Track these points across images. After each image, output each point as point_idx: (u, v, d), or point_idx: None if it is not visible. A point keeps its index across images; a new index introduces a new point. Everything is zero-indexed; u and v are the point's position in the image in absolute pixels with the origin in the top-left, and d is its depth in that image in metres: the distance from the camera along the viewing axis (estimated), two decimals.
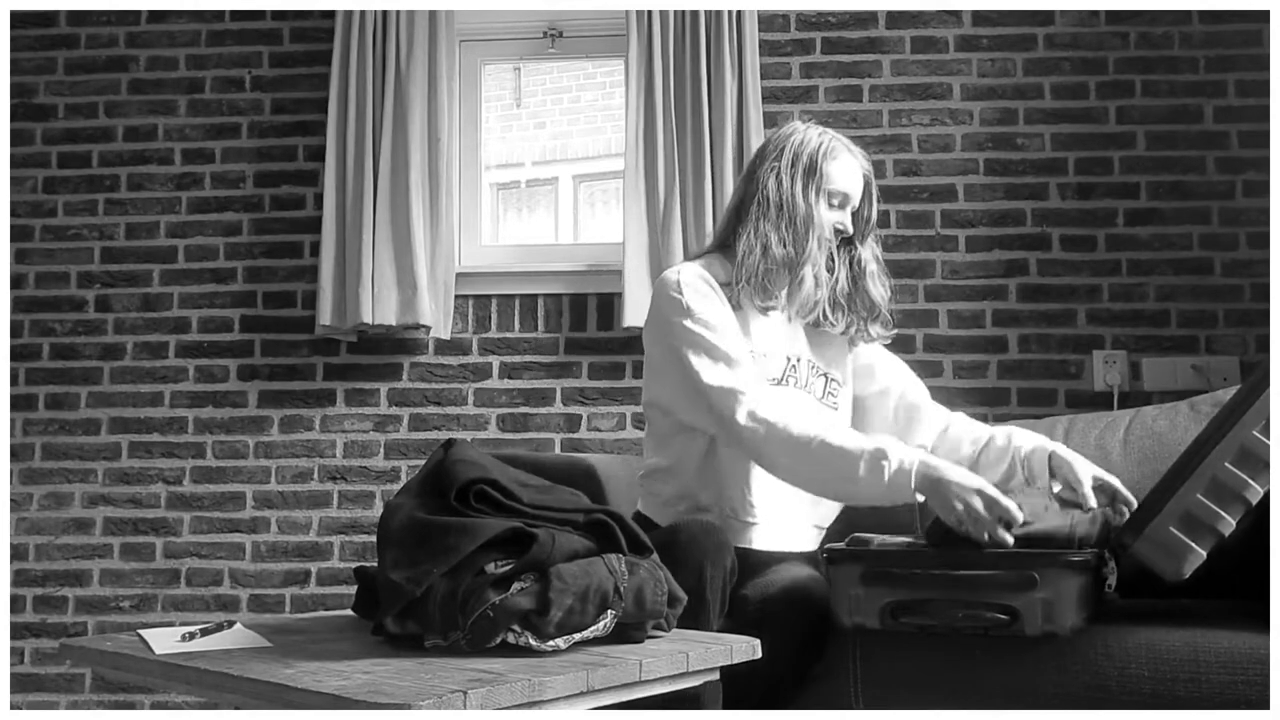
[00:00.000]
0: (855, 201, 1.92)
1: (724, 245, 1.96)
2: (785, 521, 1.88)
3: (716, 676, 1.38)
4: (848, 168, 1.91)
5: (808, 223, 1.87)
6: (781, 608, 1.69)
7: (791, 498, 1.86)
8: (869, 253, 1.95)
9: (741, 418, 1.73)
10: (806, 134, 1.93)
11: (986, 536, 1.56)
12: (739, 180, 2.03)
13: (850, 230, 1.91)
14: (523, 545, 1.31)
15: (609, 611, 1.32)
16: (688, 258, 2.22)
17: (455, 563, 1.29)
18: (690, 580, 1.51)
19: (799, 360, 1.92)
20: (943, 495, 1.59)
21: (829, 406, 1.95)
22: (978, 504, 1.56)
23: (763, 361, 1.88)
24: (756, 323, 1.91)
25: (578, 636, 1.30)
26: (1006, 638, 1.56)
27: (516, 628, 1.27)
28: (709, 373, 1.78)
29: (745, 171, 1.99)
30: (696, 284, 1.86)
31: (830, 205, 1.90)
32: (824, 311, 1.93)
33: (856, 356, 2.02)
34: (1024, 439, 1.88)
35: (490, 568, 1.30)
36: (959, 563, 1.57)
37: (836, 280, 1.93)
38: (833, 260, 1.92)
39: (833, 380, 1.96)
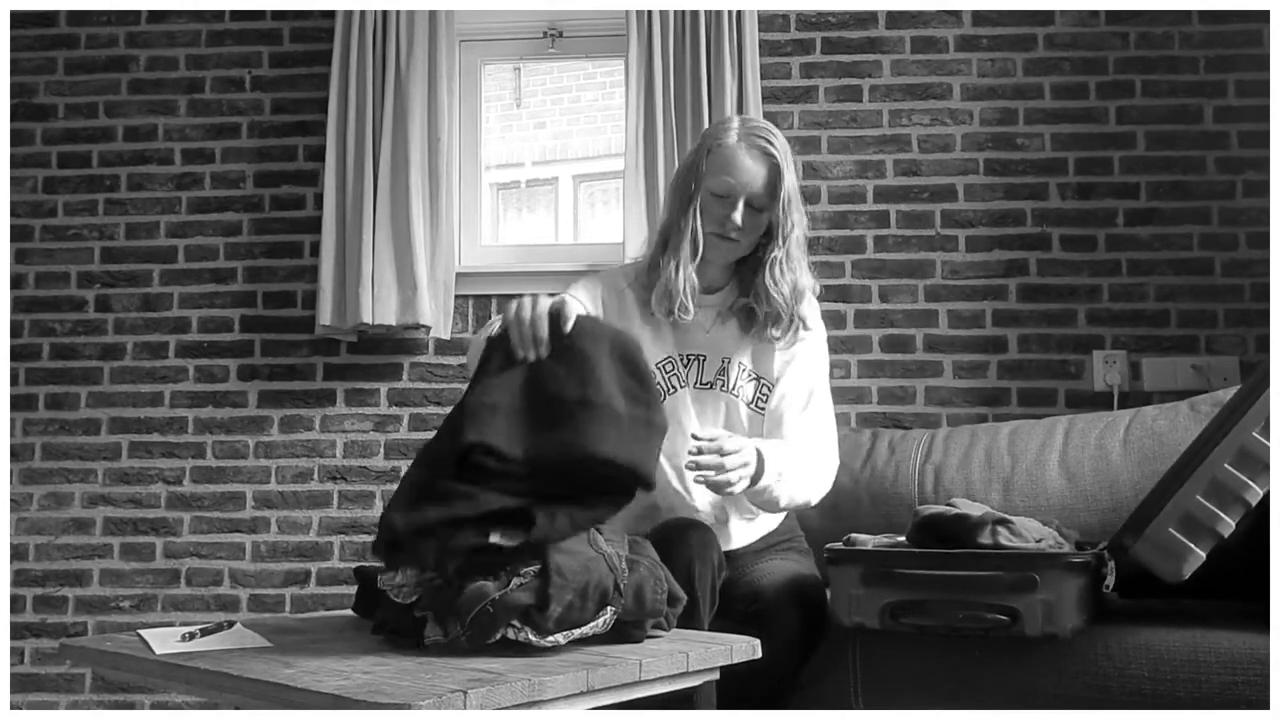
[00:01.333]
0: (749, 195, 1.81)
1: None
2: (752, 512, 1.89)
3: (716, 676, 1.38)
4: (729, 163, 1.81)
5: (675, 218, 1.86)
6: (775, 601, 1.69)
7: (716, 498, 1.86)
8: (779, 253, 1.84)
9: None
10: (712, 129, 1.91)
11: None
12: None
13: (737, 225, 1.81)
14: (523, 522, 1.31)
15: (609, 608, 1.32)
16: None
17: (456, 517, 1.29)
18: (680, 578, 1.52)
19: (730, 361, 1.90)
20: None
21: (757, 412, 1.91)
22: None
23: (696, 364, 1.88)
24: (686, 326, 1.89)
25: (577, 633, 1.30)
26: (1007, 639, 1.56)
27: (516, 623, 1.28)
28: None
29: None
30: (605, 280, 1.93)
31: (714, 196, 1.83)
32: (755, 315, 1.87)
33: (777, 368, 1.94)
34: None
35: (494, 537, 1.29)
36: (959, 564, 1.57)
37: (748, 280, 1.89)
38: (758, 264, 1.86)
39: (764, 385, 1.92)
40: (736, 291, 1.92)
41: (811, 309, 1.94)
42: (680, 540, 1.62)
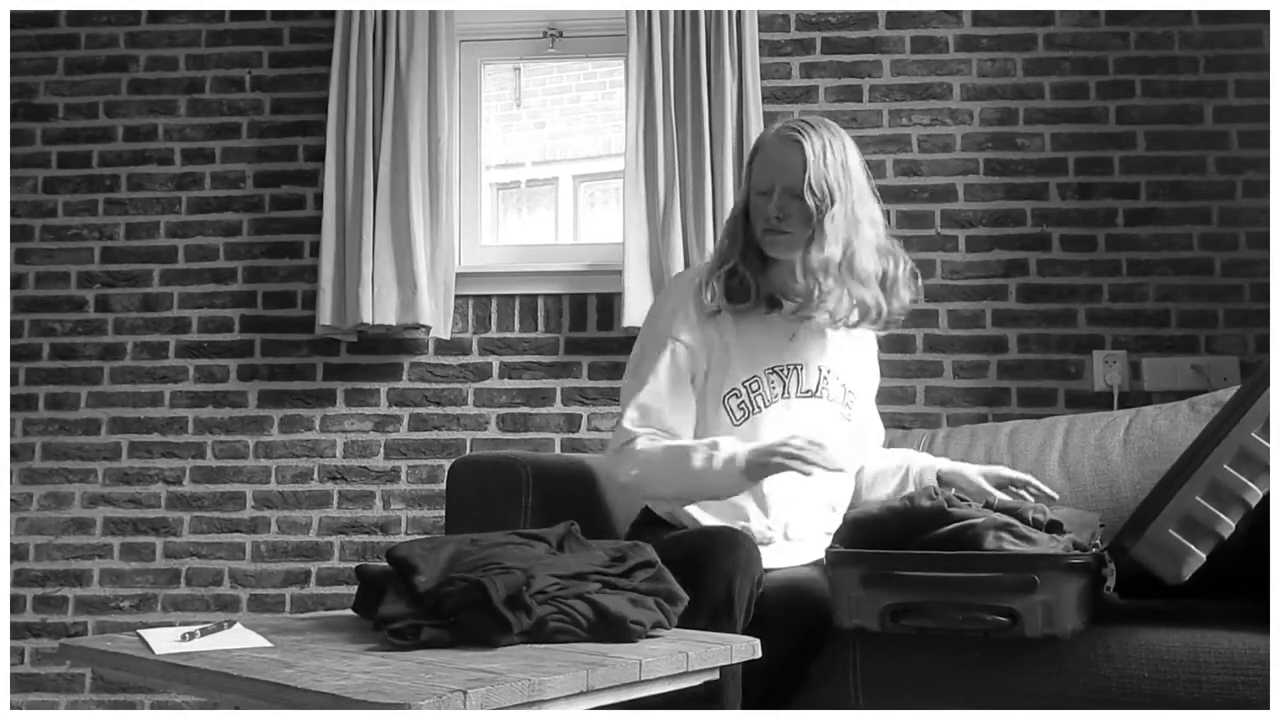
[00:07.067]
0: (785, 184, 1.81)
1: None
2: (802, 537, 1.88)
3: (716, 676, 1.38)
4: (765, 158, 1.85)
5: (733, 220, 1.91)
6: (779, 606, 1.69)
7: (808, 514, 1.87)
8: (811, 231, 1.81)
9: (615, 452, 1.86)
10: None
11: (812, 462, 1.65)
12: None
13: (775, 214, 1.82)
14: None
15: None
16: None
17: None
18: (719, 589, 1.51)
19: (829, 372, 1.91)
20: (769, 462, 1.68)
21: (844, 419, 1.93)
22: (795, 443, 1.67)
23: (796, 374, 1.88)
24: (782, 333, 1.88)
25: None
26: (1007, 640, 1.56)
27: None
28: (626, 387, 1.89)
29: None
30: (694, 296, 1.89)
31: (759, 195, 1.85)
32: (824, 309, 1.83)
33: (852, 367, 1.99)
34: (917, 459, 1.98)
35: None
36: (959, 565, 1.57)
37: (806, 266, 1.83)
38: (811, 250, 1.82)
39: (850, 391, 1.95)
40: None
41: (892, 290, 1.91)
42: (725, 551, 1.62)
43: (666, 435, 1.83)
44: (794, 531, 1.87)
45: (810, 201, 1.79)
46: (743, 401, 1.86)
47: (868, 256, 1.84)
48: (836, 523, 1.90)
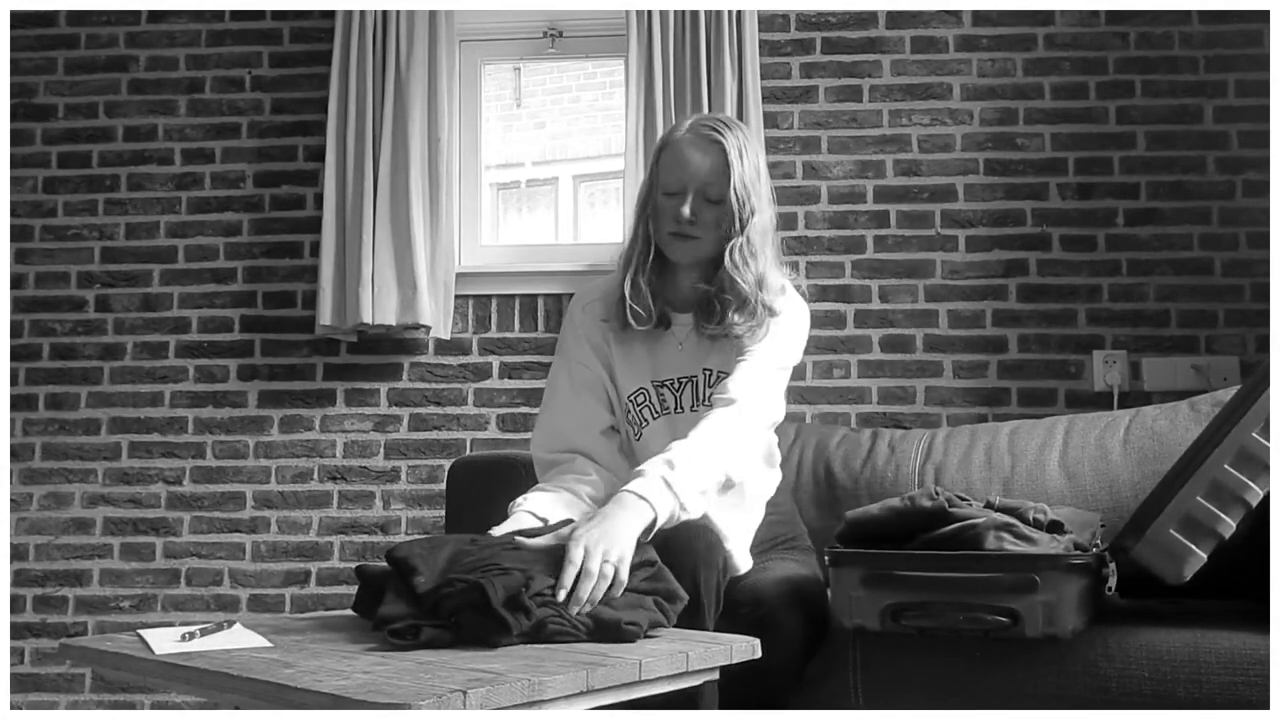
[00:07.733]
0: (700, 186, 1.74)
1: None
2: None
3: (716, 676, 1.38)
4: (677, 157, 1.76)
5: (633, 229, 1.83)
6: (778, 607, 1.69)
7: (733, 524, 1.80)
8: (739, 240, 1.74)
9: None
10: (666, 132, 1.87)
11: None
12: None
13: (688, 217, 1.74)
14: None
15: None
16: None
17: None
18: (686, 583, 1.51)
19: (715, 373, 1.81)
20: None
21: None
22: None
23: (691, 385, 1.83)
24: (663, 347, 1.83)
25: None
26: (1007, 640, 1.56)
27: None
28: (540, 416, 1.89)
29: None
30: (579, 320, 1.87)
31: (667, 196, 1.77)
32: (713, 308, 1.76)
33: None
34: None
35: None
36: (959, 566, 1.57)
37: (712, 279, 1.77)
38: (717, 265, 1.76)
39: None
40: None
41: (787, 304, 1.82)
42: (685, 545, 1.61)
43: (565, 457, 1.79)
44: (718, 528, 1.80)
45: (734, 207, 1.73)
46: (632, 416, 1.83)
47: (774, 268, 1.79)
48: (747, 502, 1.83)
